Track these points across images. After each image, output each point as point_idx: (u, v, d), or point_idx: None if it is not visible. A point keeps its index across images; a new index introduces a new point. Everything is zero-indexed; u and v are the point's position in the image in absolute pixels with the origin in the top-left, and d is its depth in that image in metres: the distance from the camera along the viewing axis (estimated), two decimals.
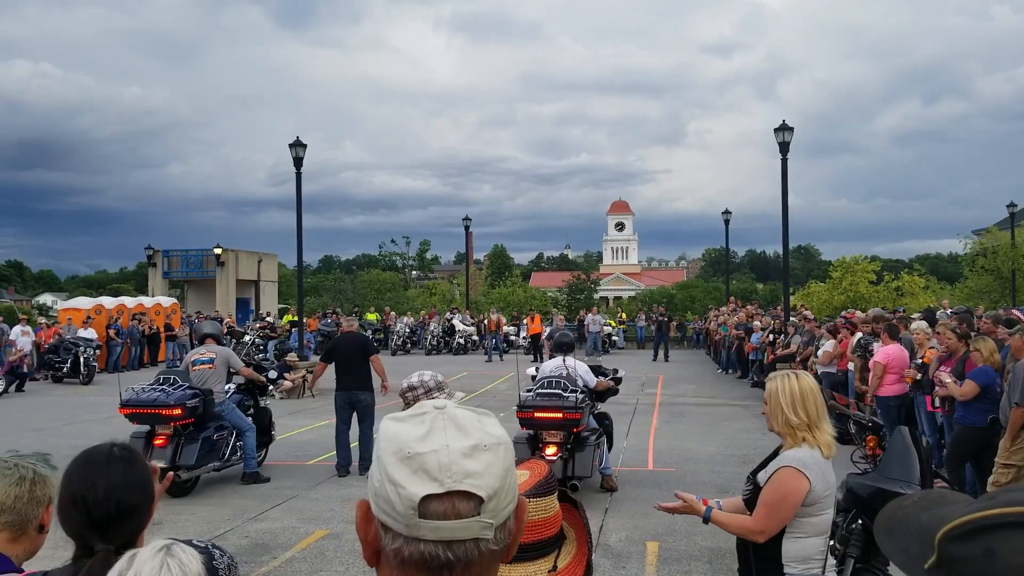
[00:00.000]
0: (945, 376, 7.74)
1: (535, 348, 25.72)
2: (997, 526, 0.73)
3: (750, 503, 3.19)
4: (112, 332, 23.00)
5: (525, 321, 29.18)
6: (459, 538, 0.90)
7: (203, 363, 8.79)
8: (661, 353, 26.51)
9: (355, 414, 9.54)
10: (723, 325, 23.03)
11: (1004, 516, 0.73)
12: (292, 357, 17.88)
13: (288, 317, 29.39)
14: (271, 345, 23.63)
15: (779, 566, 3.09)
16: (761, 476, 3.16)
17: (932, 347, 9.03)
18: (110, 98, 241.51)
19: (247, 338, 22.52)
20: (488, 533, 0.91)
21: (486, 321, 28.53)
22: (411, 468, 0.90)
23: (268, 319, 28.00)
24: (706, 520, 3.25)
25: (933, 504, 0.84)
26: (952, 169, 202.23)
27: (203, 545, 1.63)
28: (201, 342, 9.40)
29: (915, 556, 0.80)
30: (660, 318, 28.29)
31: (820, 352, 13.04)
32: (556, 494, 2.18)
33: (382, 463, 0.93)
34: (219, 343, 9.36)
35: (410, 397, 3.40)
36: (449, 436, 0.92)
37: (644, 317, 32.82)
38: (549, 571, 2.09)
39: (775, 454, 3.27)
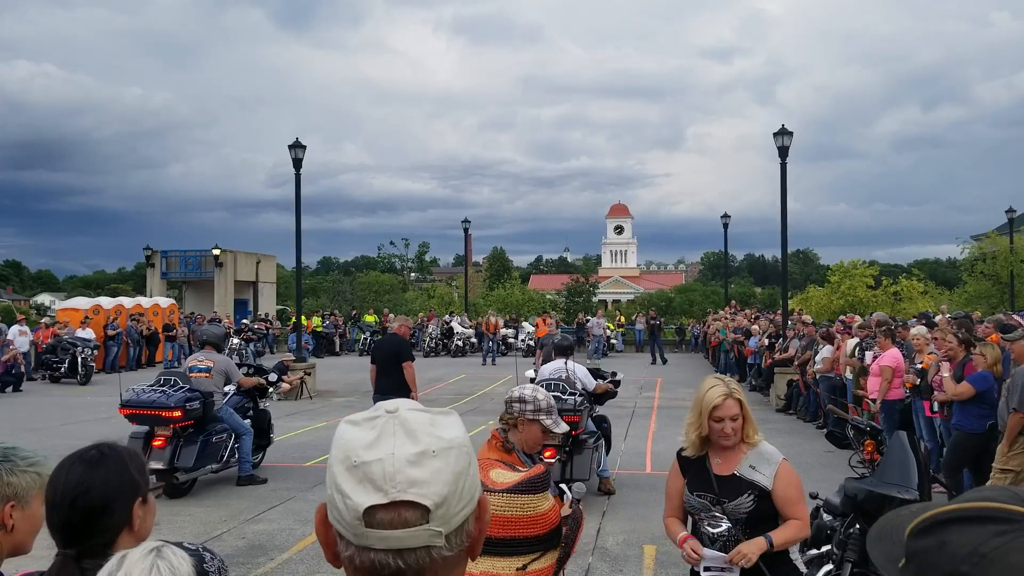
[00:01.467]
0: (945, 372, 7.74)
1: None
2: (952, 520, 0.79)
3: (757, 513, 3.05)
4: (111, 331, 22.99)
5: (536, 322, 29.12)
6: (408, 546, 0.88)
7: (200, 371, 8.77)
8: (659, 356, 26.49)
9: None
10: (721, 329, 23.03)
11: (959, 511, 0.79)
12: (290, 358, 17.86)
13: (315, 320, 29.59)
14: (251, 347, 23.72)
15: (786, 557, 3.15)
16: (761, 479, 3.09)
17: (931, 352, 9.03)
18: (111, 98, 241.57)
19: (235, 341, 22.57)
20: (438, 540, 0.89)
21: (483, 323, 28.46)
22: (357, 477, 0.88)
23: (245, 321, 28.13)
24: (771, 546, 3.05)
25: (923, 512, 0.86)
26: (951, 175, 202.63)
27: (194, 547, 1.63)
28: (201, 347, 9.38)
29: (895, 559, 0.83)
30: (652, 321, 28.27)
31: (819, 358, 13.04)
32: (545, 494, 2.15)
33: (331, 471, 0.91)
34: (219, 350, 9.30)
35: (516, 410, 3.16)
36: (397, 442, 0.90)
37: (643, 320, 32.80)
38: (517, 569, 2.06)
39: (705, 461, 3.19)
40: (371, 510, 0.87)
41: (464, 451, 0.93)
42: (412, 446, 0.90)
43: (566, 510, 2.24)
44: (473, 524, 0.94)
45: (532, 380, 8.84)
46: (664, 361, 26.16)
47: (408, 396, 9.05)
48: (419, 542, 0.88)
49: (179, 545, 1.47)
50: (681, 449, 3.35)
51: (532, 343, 26.59)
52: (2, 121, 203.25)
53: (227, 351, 18.65)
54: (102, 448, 1.86)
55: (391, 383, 9.21)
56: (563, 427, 3.34)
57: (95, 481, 1.78)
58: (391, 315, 33.00)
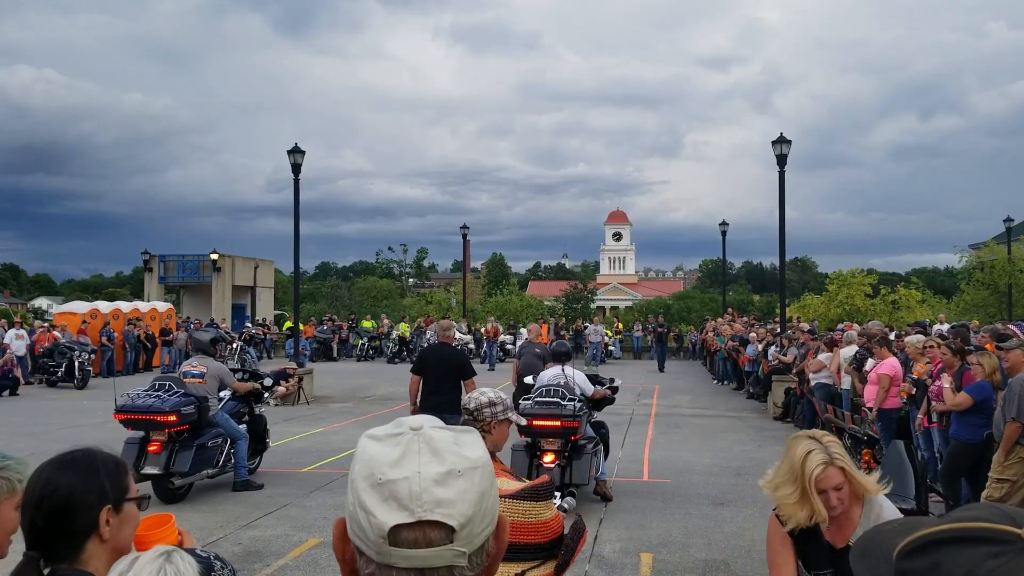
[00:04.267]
0: (946, 382, 7.74)
1: None
2: (944, 541, 0.76)
3: None
4: (104, 339, 22.96)
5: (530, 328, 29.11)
6: (431, 566, 0.88)
7: (193, 376, 8.73)
8: (661, 363, 26.39)
9: None
10: (719, 337, 23.01)
11: (951, 531, 0.77)
12: (292, 366, 17.82)
13: (288, 323, 29.59)
14: (238, 349, 23.70)
15: None
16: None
17: (926, 362, 9.03)
18: (112, 104, 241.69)
19: (236, 344, 22.55)
20: (461, 561, 0.89)
21: (483, 329, 28.49)
22: (382, 495, 0.88)
23: (224, 326, 28.07)
24: None
25: (909, 529, 0.85)
26: (947, 184, 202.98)
27: (205, 556, 1.63)
28: (196, 354, 9.34)
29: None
30: (659, 329, 28.05)
31: (815, 360, 13.02)
32: (548, 502, 2.16)
33: (355, 487, 0.90)
34: (211, 356, 9.21)
35: (488, 415, 3.23)
36: (423, 461, 0.89)
37: (640, 327, 32.77)
38: (515, 575, 2.06)
39: (816, 531, 2.70)
40: (396, 529, 0.87)
41: (487, 471, 0.93)
42: (438, 465, 0.89)
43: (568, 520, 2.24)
44: (492, 543, 0.94)
45: (531, 386, 8.84)
46: (662, 368, 26.05)
47: (458, 416, 8.35)
48: (442, 562, 0.88)
49: (192, 552, 1.46)
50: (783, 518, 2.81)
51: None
52: (4, 126, 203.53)
53: (226, 356, 18.71)
54: (77, 452, 1.84)
55: (447, 401, 7.98)
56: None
57: (60, 483, 1.76)
58: (387, 320, 32.95)
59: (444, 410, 8.01)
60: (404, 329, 30.32)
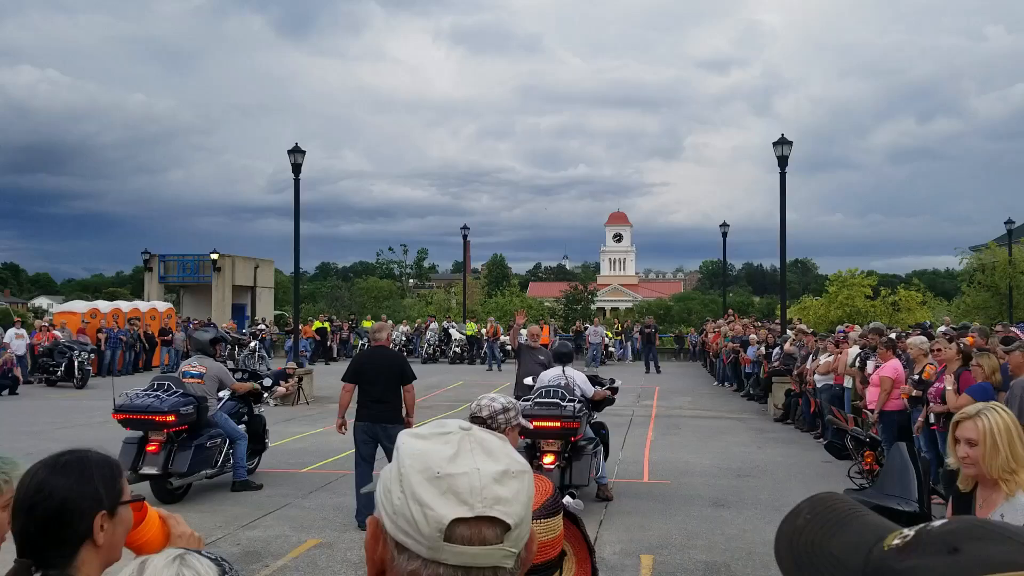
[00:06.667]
0: (948, 384, 7.71)
1: None
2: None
3: None
4: (102, 336, 22.94)
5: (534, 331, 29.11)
6: (479, 565, 0.88)
7: (192, 377, 8.70)
8: (652, 365, 26.30)
9: (380, 450, 7.62)
10: (726, 336, 22.96)
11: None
12: (291, 365, 17.80)
13: (317, 324, 29.65)
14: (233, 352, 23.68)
15: None
16: None
17: (930, 363, 9.01)
18: (115, 104, 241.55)
19: (253, 344, 22.44)
20: (509, 562, 0.90)
21: (484, 330, 28.53)
22: (440, 489, 0.88)
23: (225, 326, 27.94)
24: None
25: (832, 525, 0.74)
26: (947, 186, 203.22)
27: (213, 557, 1.60)
28: (195, 353, 9.30)
29: None
30: (647, 330, 28.02)
31: (821, 361, 12.99)
32: (561, 514, 2.14)
33: (408, 481, 0.90)
34: (209, 355, 9.14)
35: (502, 420, 3.11)
36: (478, 459, 0.91)
37: (639, 330, 32.74)
38: None
39: (972, 498, 2.62)
40: (453, 524, 0.87)
41: (532, 477, 0.95)
42: (494, 464, 0.91)
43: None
44: (524, 551, 0.95)
45: (531, 387, 8.81)
46: (648, 371, 25.77)
47: (402, 423, 7.61)
48: (491, 561, 0.89)
49: (199, 553, 1.44)
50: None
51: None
52: (7, 126, 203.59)
53: (243, 356, 18.65)
54: (69, 455, 1.79)
55: (389, 409, 7.53)
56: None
57: (53, 489, 1.70)
58: (389, 321, 32.85)
59: (386, 419, 7.52)
60: (472, 329, 29.90)
